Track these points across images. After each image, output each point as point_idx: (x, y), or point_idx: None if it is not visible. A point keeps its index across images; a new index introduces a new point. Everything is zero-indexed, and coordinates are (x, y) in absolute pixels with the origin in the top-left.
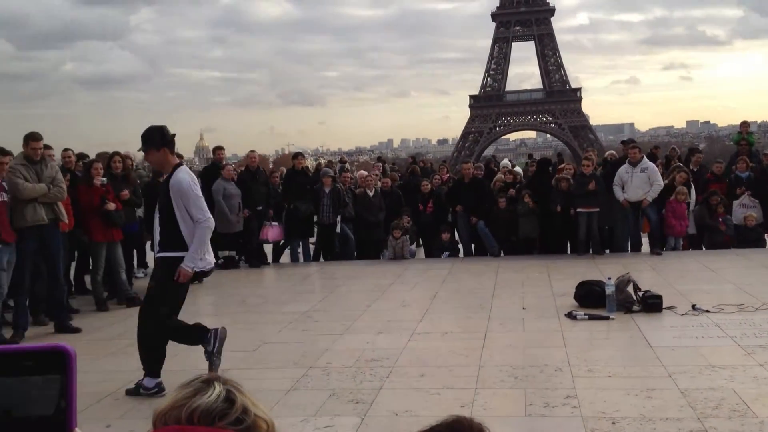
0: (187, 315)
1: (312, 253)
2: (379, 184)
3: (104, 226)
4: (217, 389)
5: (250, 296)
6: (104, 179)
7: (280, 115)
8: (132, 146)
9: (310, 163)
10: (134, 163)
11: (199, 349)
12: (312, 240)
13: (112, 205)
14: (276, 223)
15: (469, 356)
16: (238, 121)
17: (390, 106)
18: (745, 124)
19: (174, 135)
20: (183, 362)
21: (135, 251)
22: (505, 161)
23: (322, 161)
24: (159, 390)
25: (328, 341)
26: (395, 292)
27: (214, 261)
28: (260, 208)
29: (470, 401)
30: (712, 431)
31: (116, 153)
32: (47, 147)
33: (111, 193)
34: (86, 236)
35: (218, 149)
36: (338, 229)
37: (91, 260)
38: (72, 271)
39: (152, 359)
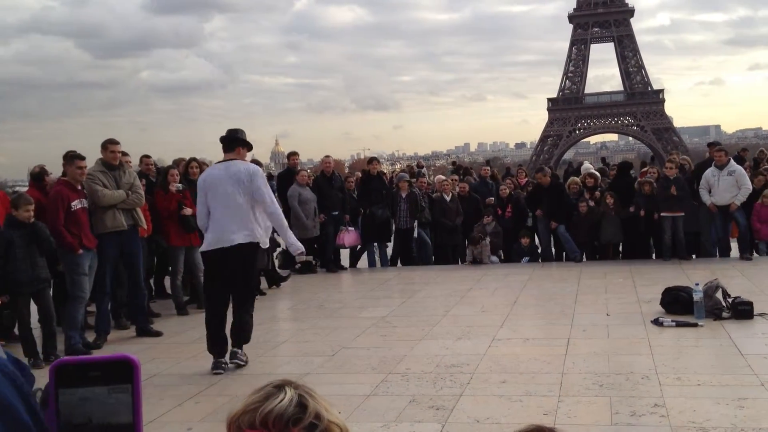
0: (266, 320)
1: (389, 258)
2: (457, 188)
3: (182, 231)
4: (289, 394)
5: (328, 301)
6: (180, 185)
7: (355, 120)
8: (208, 152)
9: (386, 168)
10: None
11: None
12: (389, 245)
13: (189, 210)
14: (352, 228)
15: (552, 363)
16: (312, 126)
17: (466, 110)
18: None
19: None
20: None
21: None
22: (587, 165)
23: (398, 166)
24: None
25: (407, 347)
26: (474, 298)
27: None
28: (336, 213)
29: (554, 409)
30: None
31: (193, 159)
32: (124, 154)
33: (188, 198)
34: (165, 241)
35: (292, 155)
36: (415, 234)
37: (170, 265)
38: (152, 276)
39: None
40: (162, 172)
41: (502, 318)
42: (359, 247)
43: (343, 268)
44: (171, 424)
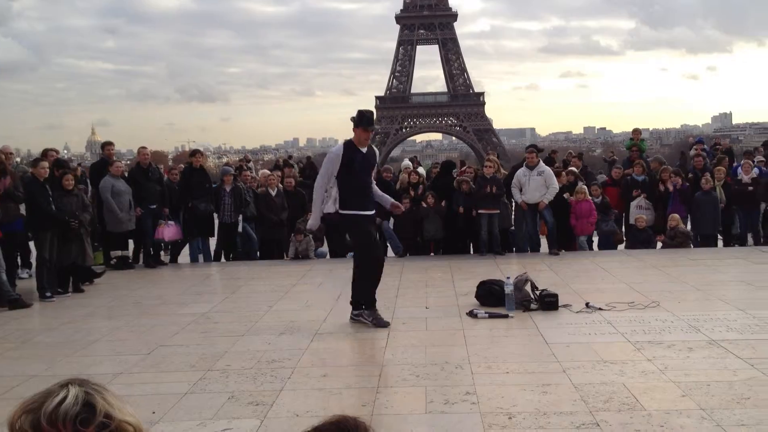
0: (78, 319)
1: (212, 252)
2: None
3: None
4: (73, 392)
5: (146, 297)
6: None
7: (180, 110)
8: (17, 140)
9: (212, 161)
10: (14, 158)
11: None
12: (212, 239)
13: None
14: (172, 222)
15: (372, 356)
16: (134, 115)
17: (295, 104)
18: (636, 132)
19: (355, 117)
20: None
21: (18, 251)
22: (406, 162)
23: (225, 159)
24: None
25: (228, 343)
26: (299, 293)
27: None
28: (154, 206)
29: (372, 400)
30: (603, 424)
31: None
32: None
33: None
34: None
35: (107, 145)
36: (240, 229)
37: None
38: None
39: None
40: None
41: (325, 313)
42: (181, 241)
43: (162, 263)
44: None
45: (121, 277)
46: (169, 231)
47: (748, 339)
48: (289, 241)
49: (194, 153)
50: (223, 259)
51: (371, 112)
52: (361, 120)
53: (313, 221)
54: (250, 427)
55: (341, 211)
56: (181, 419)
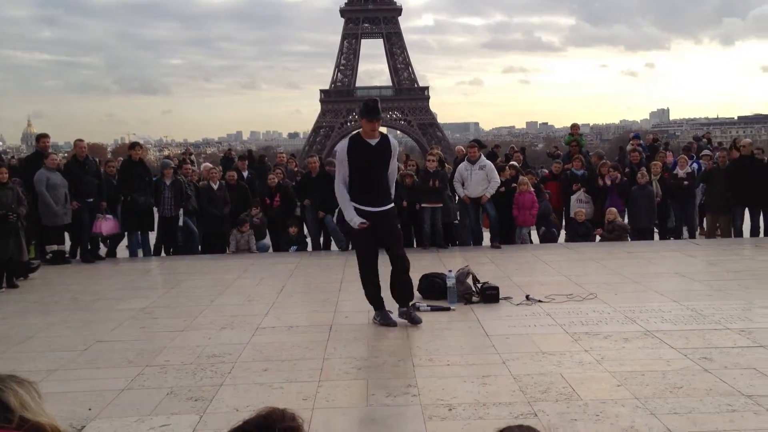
0: (11, 315)
1: (152, 247)
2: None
3: None
4: None
5: (83, 293)
6: None
7: (120, 102)
8: None
9: (153, 154)
10: None
11: None
12: (152, 233)
13: None
14: (110, 216)
15: (314, 350)
16: (72, 107)
17: (240, 97)
18: (575, 127)
19: (362, 108)
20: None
21: None
22: None
23: (167, 152)
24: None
25: (167, 338)
26: (241, 287)
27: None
28: (91, 199)
29: (313, 394)
30: (540, 414)
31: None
32: None
33: None
34: None
35: (42, 137)
36: (181, 223)
37: None
38: None
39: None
40: None
41: (267, 307)
42: (119, 235)
43: (100, 257)
44: None
45: (57, 273)
46: (106, 225)
47: (681, 329)
48: (231, 236)
49: (133, 146)
50: (163, 254)
51: (375, 101)
52: (364, 111)
53: (349, 216)
54: (189, 422)
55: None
56: (118, 416)
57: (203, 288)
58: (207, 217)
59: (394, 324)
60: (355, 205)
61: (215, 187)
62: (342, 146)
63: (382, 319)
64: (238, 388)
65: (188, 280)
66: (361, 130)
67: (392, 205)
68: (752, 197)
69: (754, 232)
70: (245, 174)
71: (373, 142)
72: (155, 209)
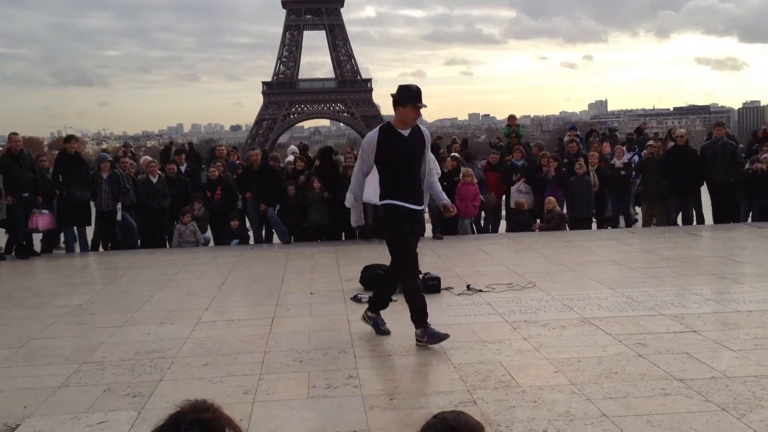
0: None
1: (90, 242)
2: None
3: None
4: None
5: (17, 290)
6: None
7: (55, 94)
8: None
9: (90, 148)
10: None
11: None
12: (89, 228)
13: None
14: (46, 211)
15: (255, 343)
16: (6, 100)
17: (179, 89)
18: (512, 118)
19: (396, 93)
20: None
21: None
22: (293, 147)
23: (105, 145)
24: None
25: (105, 334)
26: (181, 281)
27: None
28: (26, 194)
29: (254, 387)
30: (480, 402)
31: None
32: None
33: None
34: None
35: None
36: (119, 217)
37: None
38: None
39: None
40: None
41: (208, 301)
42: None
43: (35, 253)
44: None
45: None
46: (42, 220)
47: (617, 316)
48: (172, 229)
49: (68, 139)
50: (101, 249)
51: (417, 86)
52: (407, 95)
53: (355, 216)
54: (126, 419)
55: (380, 202)
56: (54, 413)
57: (142, 283)
58: (146, 210)
59: (387, 332)
60: (393, 201)
61: (154, 180)
62: (371, 138)
63: (429, 336)
64: (178, 384)
65: (127, 275)
66: (393, 119)
67: (427, 203)
68: (686, 186)
69: (688, 220)
70: (183, 168)
71: (406, 132)
72: (92, 203)
